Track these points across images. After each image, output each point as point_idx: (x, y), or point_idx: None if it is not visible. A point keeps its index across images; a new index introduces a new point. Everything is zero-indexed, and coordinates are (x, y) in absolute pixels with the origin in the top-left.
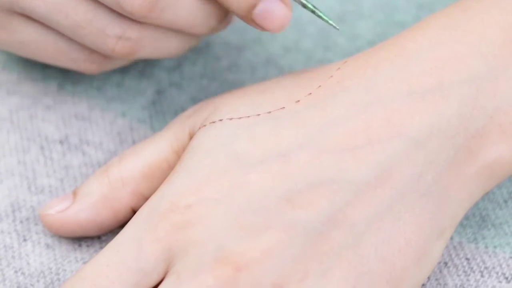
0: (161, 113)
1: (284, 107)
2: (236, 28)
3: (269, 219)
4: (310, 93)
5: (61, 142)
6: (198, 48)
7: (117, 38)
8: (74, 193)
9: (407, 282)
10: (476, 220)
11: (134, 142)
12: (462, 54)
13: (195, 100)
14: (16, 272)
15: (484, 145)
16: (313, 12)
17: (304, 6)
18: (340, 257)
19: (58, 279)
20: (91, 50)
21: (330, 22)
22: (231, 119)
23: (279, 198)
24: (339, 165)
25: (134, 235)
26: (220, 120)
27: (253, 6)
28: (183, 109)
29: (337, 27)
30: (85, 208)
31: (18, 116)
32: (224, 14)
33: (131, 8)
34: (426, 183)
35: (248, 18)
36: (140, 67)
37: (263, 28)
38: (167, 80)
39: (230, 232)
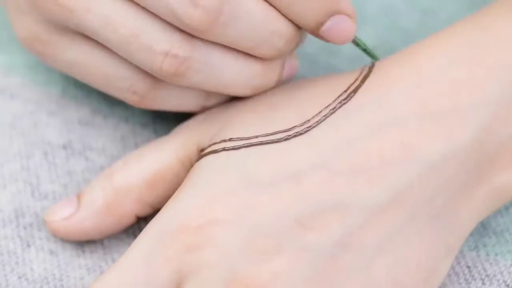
0: (164, 117)
1: (295, 126)
2: None
3: (280, 242)
4: (321, 111)
5: (64, 147)
6: None
7: (164, 55)
8: (78, 198)
9: None
10: (477, 228)
11: (137, 147)
12: (479, 76)
13: None
14: (19, 278)
15: (494, 169)
16: (364, 50)
17: (357, 44)
18: (351, 281)
19: (62, 285)
20: (137, 79)
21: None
22: (241, 139)
23: (291, 220)
24: (352, 188)
25: (144, 255)
26: (230, 139)
27: (322, 23)
28: (185, 113)
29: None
30: (89, 215)
31: (21, 121)
32: (294, 33)
33: (190, 20)
34: (437, 205)
35: (315, 33)
36: None
37: (328, 41)
38: None
39: (241, 254)
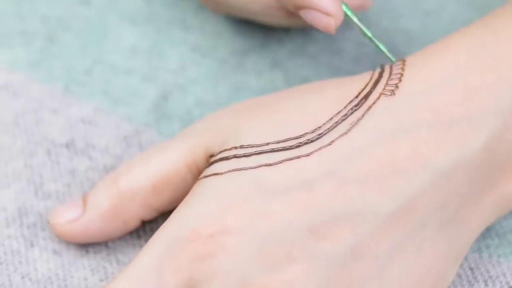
0: (167, 116)
1: (306, 133)
2: (242, 31)
3: (293, 251)
4: (331, 118)
5: (67, 146)
6: (203, 50)
7: None
8: (84, 201)
9: None
10: None
11: (140, 147)
12: (491, 83)
13: (200, 103)
14: (23, 277)
15: (503, 177)
16: (371, 40)
17: (364, 34)
18: None
19: (65, 285)
20: None
21: (388, 54)
22: (252, 146)
23: (303, 229)
24: (364, 196)
25: (154, 263)
26: (241, 146)
27: (300, 8)
28: (189, 113)
29: (393, 59)
30: (95, 219)
31: (24, 119)
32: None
33: None
34: (448, 213)
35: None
36: (144, 70)
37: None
38: (172, 82)
39: (253, 263)
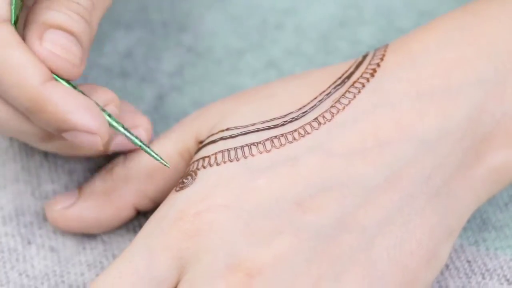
0: (163, 118)
1: (291, 112)
2: (237, 31)
3: (280, 224)
4: (316, 97)
5: None
6: (199, 52)
7: None
8: (79, 190)
9: (419, 283)
10: (476, 223)
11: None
12: (471, 56)
13: (197, 104)
14: (20, 274)
15: (491, 149)
16: (142, 147)
17: (134, 142)
18: (353, 261)
19: (63, 282)
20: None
21: (161, 160)
22: (238, 127)
23: (290, 202)
24: (349, 169)
25: (145, 244)
26: (227, 128)
27: (61, 132)
28: (185, 114)
29: (167, 165)
30: (89, 206)
31: None
32: (45, 132)
33: None
34: (435, 185)
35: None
36: (141, 72)
37: None
38: (168, 84)
39: (241, 238)
